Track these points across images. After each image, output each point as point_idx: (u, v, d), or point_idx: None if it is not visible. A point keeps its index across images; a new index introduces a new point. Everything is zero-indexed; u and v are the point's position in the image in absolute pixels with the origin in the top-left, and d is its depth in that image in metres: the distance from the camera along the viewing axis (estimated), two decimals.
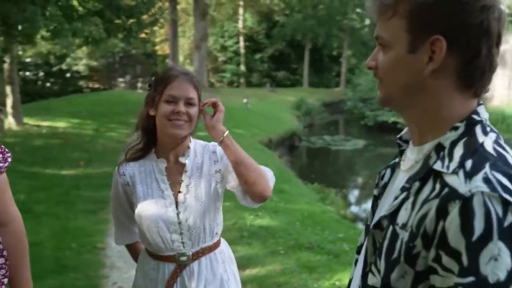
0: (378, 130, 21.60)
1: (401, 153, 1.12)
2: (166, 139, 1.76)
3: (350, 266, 4.21)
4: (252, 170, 1.70)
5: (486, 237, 0.77)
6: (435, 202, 0.84)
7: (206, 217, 1.76)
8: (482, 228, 0.78)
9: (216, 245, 1.83)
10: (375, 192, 1.17)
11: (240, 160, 1.69)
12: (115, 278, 4.11)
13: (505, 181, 0.81)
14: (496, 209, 0.78)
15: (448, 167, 0.87)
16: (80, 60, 35.08)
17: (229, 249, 1.93)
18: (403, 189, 0.96)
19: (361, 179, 14.55)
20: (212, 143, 1.85)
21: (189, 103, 1.71)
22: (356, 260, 1.20)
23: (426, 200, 0.87)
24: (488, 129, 0.92)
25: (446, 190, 0.83)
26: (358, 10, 38.95)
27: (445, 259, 0.81)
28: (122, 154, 8.16)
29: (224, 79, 39.13)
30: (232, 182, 1.79)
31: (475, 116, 0.93)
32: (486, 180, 0.81)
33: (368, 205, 11.31)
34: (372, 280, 0.98)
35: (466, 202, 0.79)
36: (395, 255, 0.90)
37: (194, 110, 1.72)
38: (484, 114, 0.94)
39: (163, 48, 37.66)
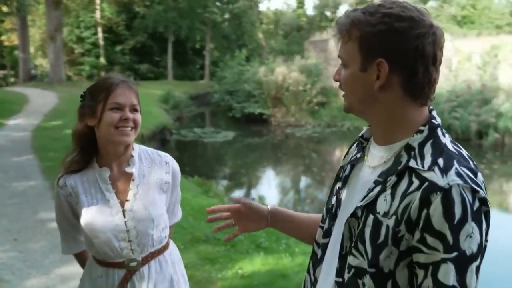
0: (245, 122, 22.37)
1: (363, 148, 1.30)
2: (111, 148, 1.74)
3: (248, 255, 4.44)
4: None
5: (463, 220, 0.99)
6: (418, 194, 1.03)
7: (154, 223, 1.78)
8: (460, 213, 0.99)
9: (165, 247, 1.87)
10: (339, 184, 1.34)
11: None
12: None
13: (470, 174, 1.04)
14: (468, 197, 1.00)
15: (423, 165, 1.07)
16: None
17: (177, 250, 1.98)
18: (376, 182, 1.14)
19: (235, 169, 15.00)
20: (163, 153, 1.90)
21: (133, 109, 1.72)
22: (325, 244, 1.36)
23: (406, 193, 1.06)
24: (444, 131, 1.15)
25: (426, 184, 1.03)
26: (218, 3, 39.61)
27: (430, 240, 1.01)
28: None
29: (83, 72, 36.91)
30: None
31: (433, 121, 1.15)
32: (459, 175, 1.02)
33: (252, 195, 11.76)
34: (355, 261, 1.14)
35: (446, 193, 1.00)
36: (381, 239, 1.08)
37: (138, 116, 1.74)
38: (438, 119, 1.17)
39: (10, 39, 34.27)
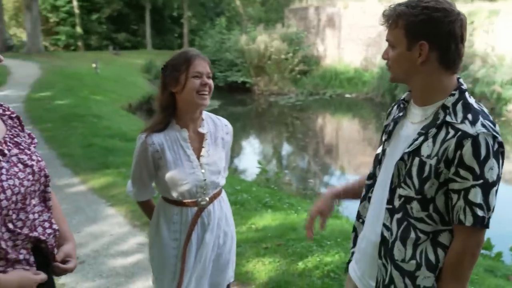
0: (228, 91, 22.55)
1: (404, 108, 1.69)
2: (190, 111, 2.11)
3: (257, 212, 4.92)
4: None
5: (487, 157, 1.41)
6: (454, 140, 1.44)
7: (220, 173, 2.21)
8: (485, 152, 1.41)
9: (221, 190, 2.31)
10: (385, 137, 1.74)
11: None
12: None
13: (491, 125, 1.45)
14: (490, 141, 1.42)
15: (456, 119, 1.47)
16: None
17: (225, 194, 2.40)
18: (420, 134, 1.55)
19: None
20: (221, 117, 2.31)
21: (208, 77, 2.10)
22: (369, 186, 1.78)
23: (444, 140, 1.46)
24: (469, 94, 1.55)
25: (460, 132, 1.44)
26: None
27: (462, 172, 1.42)
28: None
29: (59, 42, 36.22)
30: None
31: (462, 87, 1.55)
32: (483, 125, 1.43)
33: (241, 161, 12.16)
34: (404, 192, 1.56)
35: (475, 138, 1.41)
36: (426, 174, 1.49)
37: (212, 82, 2.12)
38: (465, 85, 1.57)
39: None
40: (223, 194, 2.33)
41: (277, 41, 22.38)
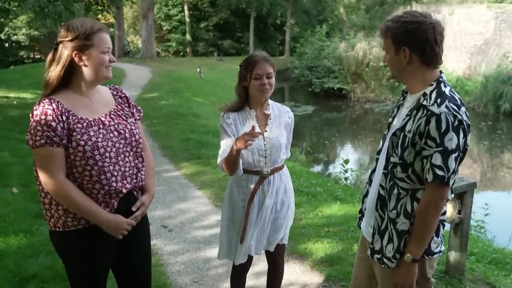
0: (324, 97, 22.94)
1: (404, 98, 2.13)
2: (256, 99, 2.68)
3: (327, 202, 5.39)
4: None
5: (446, 130, 1.82)
6: (424, 118, 1.87)
7: (281, 148, 2.75)
8: (445, 127, 1.82)
9: (283, 166, 2.83)
10: (390, 120, 2.18)
11: None
12: None
13: (454, 107, 1.86)
14: (450, 118, 1.82)
15: (429, 103, 1.90)
16: (20, 30, 33.87)
17: (288, 171, 2.91)
18: (407, 115, 1.99)
19: (313, 142, 15.79)
20: (284, 105, 2.88)
21: (268, 76, 2.64)
22: (377, 159, 2.22)
23: (419, 118, 1.90)
24: (446, 84, 1.96)
25: (429, 112, 1.87)
26: None
27: (429, 142, 1.85)
28: None
29: (170, 48, 39.08)
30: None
31: (440, 78, 1.97)
32: (446, 107, 1.85)
33: (326, 162, 12.58)
34: (393, 159, 2.01)
35: (438, 116, 1.83)
36: (406, 144, 1.94)
37: (272, 80, 2.66)
38: (444, 77, 1.98)
39: (106, 18, 36.95)
40: (285, 170, 2.86)
41: (376, 48, 22.33)
